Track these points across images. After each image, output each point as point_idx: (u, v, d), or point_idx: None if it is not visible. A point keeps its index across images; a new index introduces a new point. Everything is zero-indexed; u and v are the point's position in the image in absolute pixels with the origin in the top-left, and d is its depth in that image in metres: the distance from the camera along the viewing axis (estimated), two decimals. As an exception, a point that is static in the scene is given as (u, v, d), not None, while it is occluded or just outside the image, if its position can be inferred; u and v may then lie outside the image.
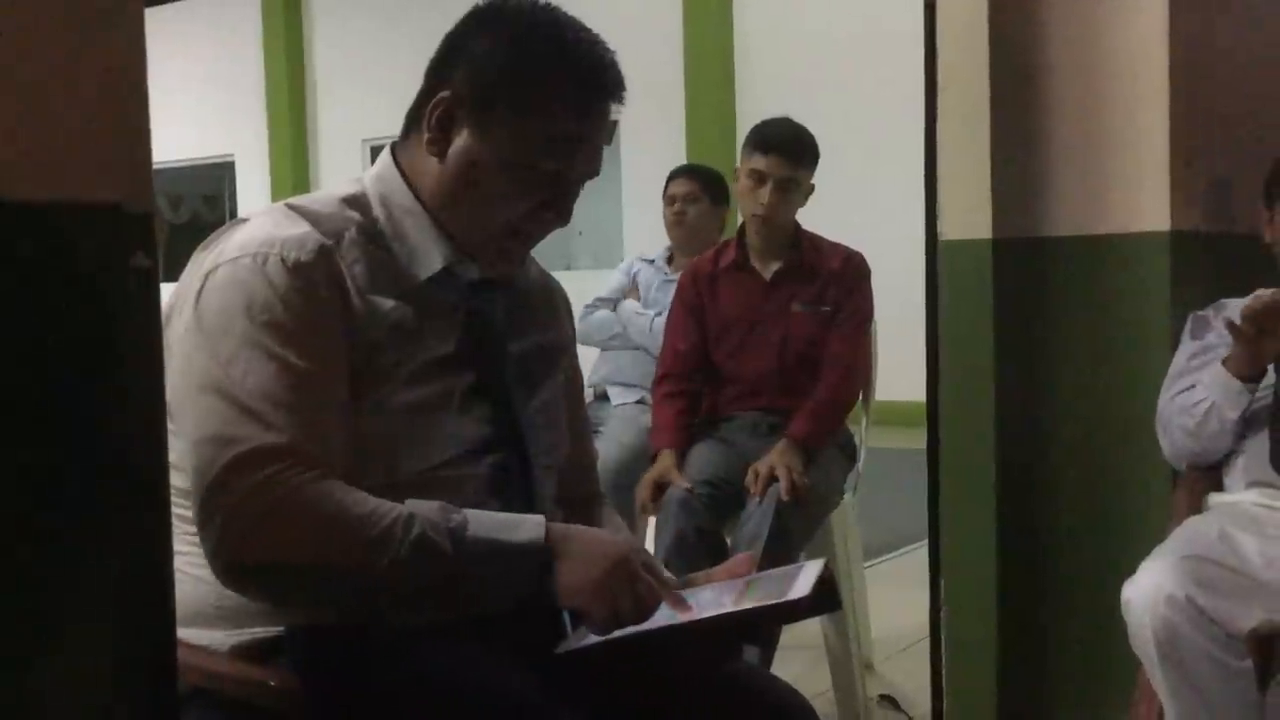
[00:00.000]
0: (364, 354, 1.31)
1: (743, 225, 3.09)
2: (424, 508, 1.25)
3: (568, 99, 1.37)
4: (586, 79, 1.39)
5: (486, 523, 1.26)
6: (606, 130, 1.43)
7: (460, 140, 1.39)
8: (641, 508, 2.83)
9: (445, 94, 1.38)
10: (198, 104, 11.81)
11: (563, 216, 1.42)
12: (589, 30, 1.42)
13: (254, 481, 1.19)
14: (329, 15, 11.72)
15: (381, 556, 1.21)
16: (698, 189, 3.76)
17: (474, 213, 1.40)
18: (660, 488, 2.78)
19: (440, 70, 1.42)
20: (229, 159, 12.64)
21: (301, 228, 1.33)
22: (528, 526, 1.27)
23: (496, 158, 1.37)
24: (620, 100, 1.42)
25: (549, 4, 1.42)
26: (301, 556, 1.21)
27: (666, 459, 2.85)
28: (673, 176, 3.84)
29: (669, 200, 3.79)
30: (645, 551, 1.35)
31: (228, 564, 1.21)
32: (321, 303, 1.29)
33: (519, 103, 1.36)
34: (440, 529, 1.23)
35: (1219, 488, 2.23)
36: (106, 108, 0.82)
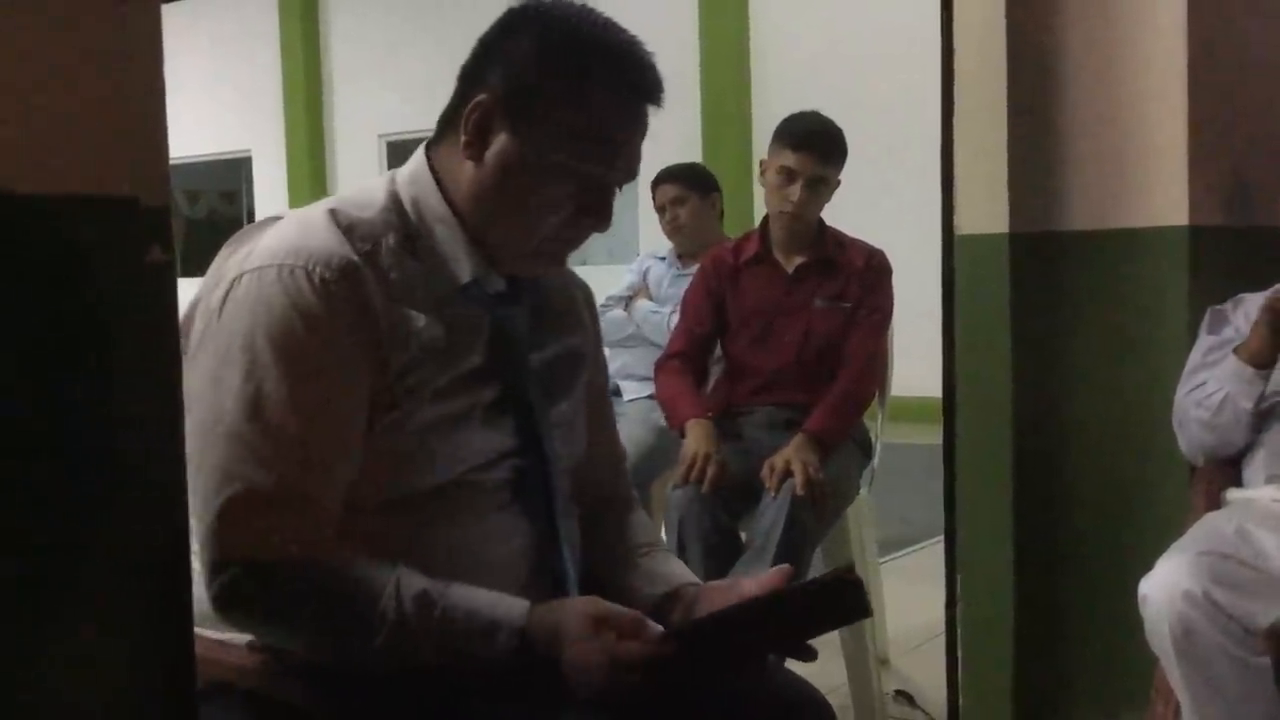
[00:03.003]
0: (389, 373, 1.28)
1: (765, 218, 3.08)
2: (409, 591, 1.23)
3: (609, 101, 1.34)
4: (627, 81, 1.35)
5: (464, 622, 1.23)
6: (644, 132, 1.39)
7: (498, 144, 1.34)
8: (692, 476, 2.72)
9: (482, 97, 1.34)
10: (215, 99, 11.86)
11: (603, 221, 1.38)
12: (627, 31, 1.38)
13: (243, 536, 1.21)
14: (346, 11, 11.74)
15: (357, 640, 1.24)
16: (682, 189, 3.73)
17: (512, 219, 1.36)
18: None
19: (475, 73, 1.38)
20: (246, 154, 12.68)
21: (332, 238, 1.29)
22: (503, 636, 1.23)
23: (536, 161, 1.33)
24: (659, 102, 1.38)
25: (585, 4, 1.38)
26: (277, 618, 1.26)
27: (703, 430, 2.77)
28: (654, 186, 3.78)
29: (659, 210, 3.76)
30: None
31: (214, 599, 1.23)
32: (343, 324, 1.26)
33: (559, 105, 1.33)
34: (414, 625, 1.22)
35: (1237, 483, 2.22)
36: (123, 102, 0.83)
